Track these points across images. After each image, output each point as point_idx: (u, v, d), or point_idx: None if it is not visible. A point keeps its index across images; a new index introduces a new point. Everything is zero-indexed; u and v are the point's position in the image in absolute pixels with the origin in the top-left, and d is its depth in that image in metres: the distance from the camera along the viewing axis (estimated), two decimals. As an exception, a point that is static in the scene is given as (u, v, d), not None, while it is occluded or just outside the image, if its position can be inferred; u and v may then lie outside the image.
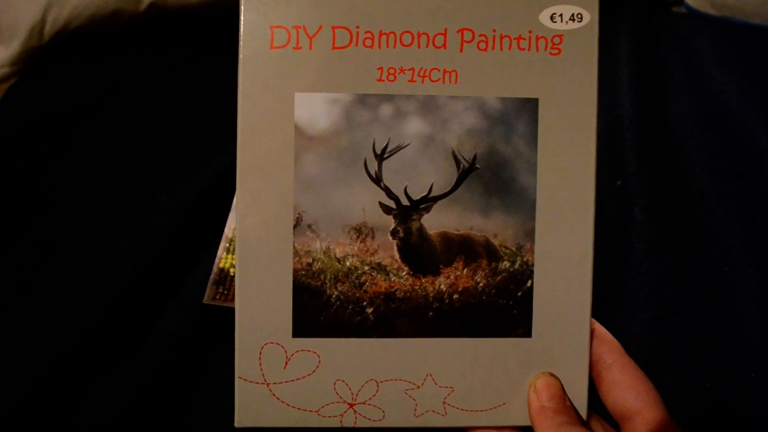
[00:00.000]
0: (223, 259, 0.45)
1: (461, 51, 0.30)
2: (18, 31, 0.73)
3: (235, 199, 0.49)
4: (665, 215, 0.51)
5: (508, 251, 0.30)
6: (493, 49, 0.30)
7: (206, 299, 0.44)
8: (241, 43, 0.30)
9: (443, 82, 0.30)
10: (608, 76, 0.62)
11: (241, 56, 0.30)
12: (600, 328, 0.31)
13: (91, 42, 0.74)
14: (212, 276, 0.45)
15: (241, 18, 0.30)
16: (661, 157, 0.55)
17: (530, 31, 0.30)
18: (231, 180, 0.50)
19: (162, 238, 0.49)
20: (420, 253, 0.31)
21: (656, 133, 0.57)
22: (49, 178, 0.58)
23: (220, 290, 0.45)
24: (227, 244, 0.46)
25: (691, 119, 0.58)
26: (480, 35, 0.30)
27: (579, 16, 0.30)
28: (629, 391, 0.29)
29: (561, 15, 0.30)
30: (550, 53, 0.30)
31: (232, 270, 0.45)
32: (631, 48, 0.65)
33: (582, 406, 0.30)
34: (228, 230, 0.46)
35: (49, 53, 0.74)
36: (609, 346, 0.30)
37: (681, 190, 0.53)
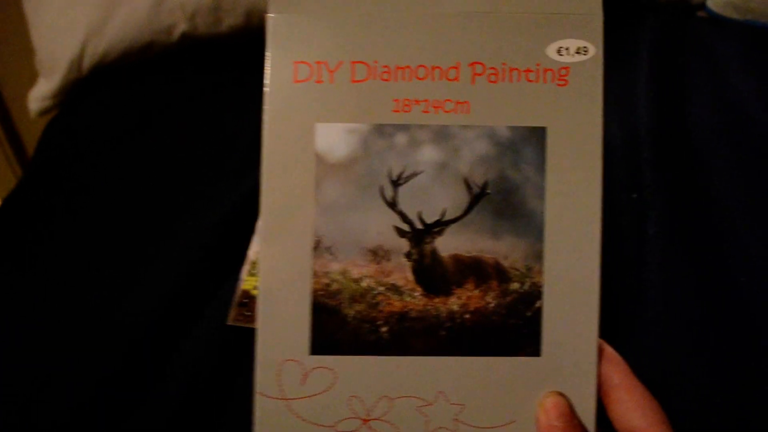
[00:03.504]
0: (246, 281, 0.47)
1: (473, 83, 0.32)
2: (59, 65, 0.77)
3: (258, 223, 0.51)
4: (679, 228, 0.50)
5: (517, 273, 0.31)
6: (503, 81, 0.32)
7: (230, 321, 0.46)
8: (266, 77, 0.32)
9: (456, 113, 0.32)
10: (627, 86, 0.62)
11: (266, 89, 0.32)
12: (608, 349, 0.31)
13: (127, 72, 0.78)
14: (236, 298, 0.46)
15: (268, 54, 0.32)
16: (678, 169, 0.55)
17: (538, 64, 0.32)
18: (253, 204, 0.52)
19: (187, 262, 0.51)
20: (433, 274, 0.32)
21: (674, 144, 0.57)
22: (87, 203, 0.61)
23: (243, 312, 0.46)
24: (250, 267, 0.48)
25: (711, 129, 0.57)
26: (491, 68, 0.32)
27: (585, 49, 0.32)
28: (635, 410, 0.29)
29: (567, 48, 0.32)
30: (557, 84, 0.32)
31: (254, 292, 0.47)
32: (651, 57, 0.64)
33: (590, 425, 0.31)
34: (251, 253, 0.48)
35: (88, 85, 0.78)
36: (616, 366, 0.31)
37: (697, 202, 0.52)
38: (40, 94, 0.80)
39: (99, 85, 0.78)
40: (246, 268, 0.48)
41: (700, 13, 0.79)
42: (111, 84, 0.78)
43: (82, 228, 0.58)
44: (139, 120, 0.71)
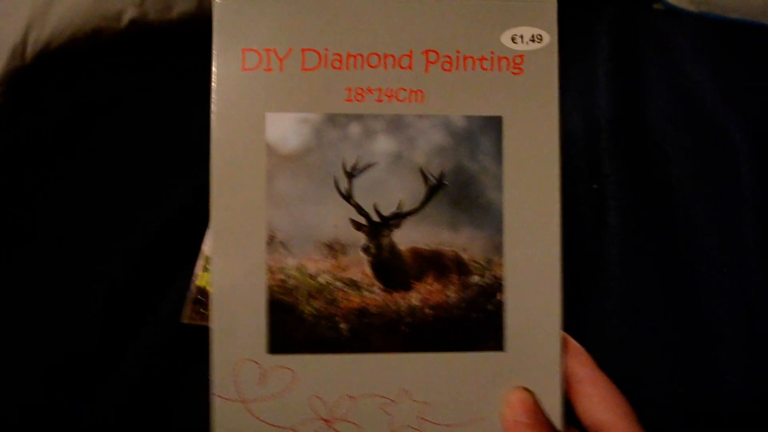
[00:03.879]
0: (200, 277, 0.46)
1: (426, 71, 0.31)
2: (0, 51, 0.74)
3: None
4: (640, 217, 0.51)
5: (477, 265, 0.31)
6: (457, 69, 0.31)
7: (184, 318, 0.44)
8: (213, 65, 0.31)
9: (410, 102, 0.31)
10: (586, 77, 0.62)
11: (213, 78, 0.31)
12: (572, 342, 0.31)
13: (75, 60, 0.75)
14: (190, 295, 0.45)
15: (214, 41, 0.31)
16: (637, 158, 0.56)
17: (492, 52, 0.31)
18: (207, 197, 0.51)
19: (138, 257, 0.49)
20: (391, 268, 0.31)
21: (632, 133, 0.58)
22: (31, 196, 0.58)
23: (198, 309, 0.45)
24: (204, 263, 0.46)
25: (668, 118, 0.58)
26: (444, 56, 0.31)
27: (539, 37, 0.31)
28: (602, 404, 0.29)
29: (521, 36, 0.31)
30: (512, 73, 0.31)
31: (209, 288, 0.45)
32: (609, 47, 0.65)
33: (557, 419, 0.31)
34: (206, 248, 0.47)
35: (33, 73, 0.75)
36: (581, 359, 0.31)
37: (656, 190, 0.53)
38: (-20, 84, 0.75)
39: (45, 73, 0.74)
40: (200, 264, 0.46)
41: (656, 5, 0.80)
42: (57, 73, 0.74)
43: (27, 220, 0.55)
44: (88, 111, 0.68)
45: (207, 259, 0.47)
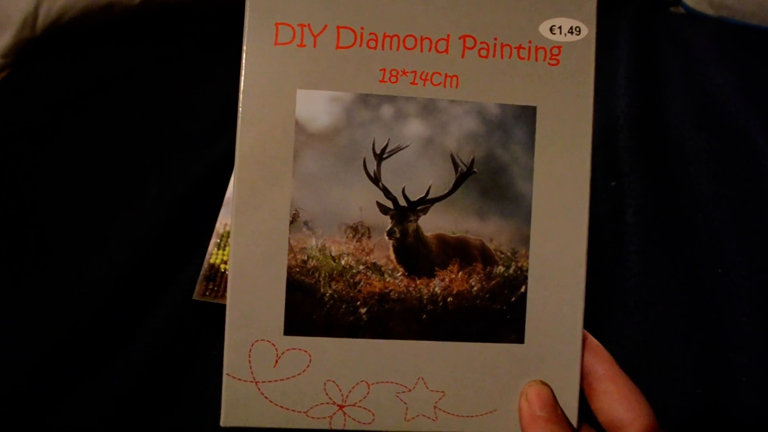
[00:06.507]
0: (213, 254, 0.45)
1: (463, 57, 0.30)
2: (10, 22, 0.73)
3: (229, 193, 0.48)
4: (659, 217, 0.51)
5: (503, 256, 0.30)
6: (493, 56, 0.31)
7: (196, 295, 0.44)
8: (245, 38, 0.30)
9: (444, 86, 0.30)
10: (606, 76, 0.62)
11: (244, 51, 0.30)
12: (592, 340, 0.31)
13: (85, 35, 0.74)
14: (203, 272, 0.44)
15: (247, 13, 0.30)
16: (656, 158, 0.55)
17: (530, 42, 0.31)
18: (222, 174, 0.50)
19: (151, 233, 0.48)
20: (416, 254, 0.31)
21: (652, 133, 0.58)
22: (40, 170, 0.57)
23: (211, 286, 0.44)
24: (218, 240, 0.46)
25: (688, 120, 0.58)
26: (481, 42, 0.30)
27: (577, 29, 0.31)
28: (621, 402, 0.29)
29: (560, 27, 0.31)
30: (549, 63, 0.31)
31: (222, 266, 0.45)
32: (629, 48, 0.66)
33: (573, 415, 0.30)
34: (219, 226, 0.46)
35: (42, 46, 0.74)
36: (601, 356, 0.30)
37: (675, 191, 0.53)
38: (-12, 53, 0.74)
39: (54, 46, 0.73)
40: (213, 241, 0.45)
41: (675, 9, 0.80)
42: (67, 46, 0.73)
43: (33, 194, 0.54)
44: (96, 86, 0.67)
45: (221, 237, 0.46)
